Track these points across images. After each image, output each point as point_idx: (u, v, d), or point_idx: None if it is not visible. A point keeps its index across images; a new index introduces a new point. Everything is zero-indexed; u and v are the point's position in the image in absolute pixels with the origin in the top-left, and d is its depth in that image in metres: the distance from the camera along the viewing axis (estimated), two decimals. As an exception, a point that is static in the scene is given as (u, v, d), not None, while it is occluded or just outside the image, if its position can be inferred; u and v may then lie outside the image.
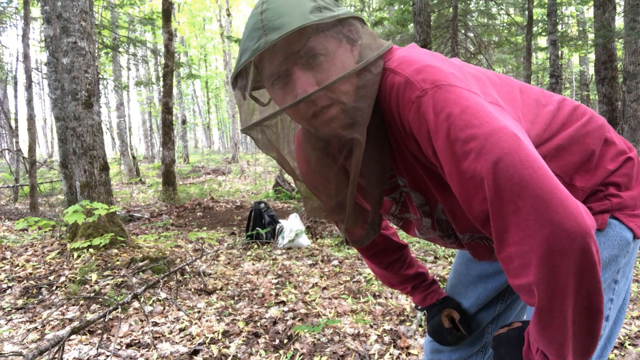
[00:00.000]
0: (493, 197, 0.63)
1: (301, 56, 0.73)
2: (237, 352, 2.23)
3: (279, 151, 0.87)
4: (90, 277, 3.14)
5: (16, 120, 13.38)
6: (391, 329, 2.42)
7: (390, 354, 2.15)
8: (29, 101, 7.50)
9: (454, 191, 0.72)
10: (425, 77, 0.70)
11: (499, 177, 0.62)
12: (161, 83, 8.94)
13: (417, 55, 0.76)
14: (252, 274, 3.63)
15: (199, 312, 2.79)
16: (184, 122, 20.76)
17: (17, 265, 3.50)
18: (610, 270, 0.84)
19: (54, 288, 3.05)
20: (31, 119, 7.57)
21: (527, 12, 6.38)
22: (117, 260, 3.52)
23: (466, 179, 0.66)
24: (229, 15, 19.05)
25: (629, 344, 2.20)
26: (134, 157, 13.41)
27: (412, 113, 0.71)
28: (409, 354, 2.16)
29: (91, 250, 3.63)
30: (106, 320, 2.40)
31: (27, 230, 5.42)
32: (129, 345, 2.32)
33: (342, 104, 0.74)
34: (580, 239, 0.59)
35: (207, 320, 2.64)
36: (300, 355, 2.16)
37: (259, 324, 2.56)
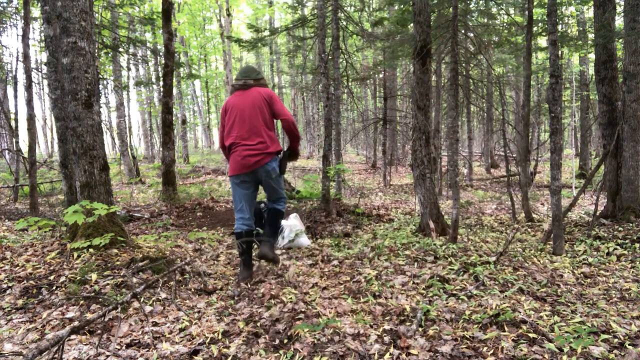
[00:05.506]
0: None
1: None
2: (237, 352, 2.22)
3: None
4: (90, 277, 3.14)
5: (16, 120, 13.36)
6: (391, 329, 2.42)
7: (390, 354, 2.15)
8: (29, 101, 7.50)
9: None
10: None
11: None
12: (161, 83, 8.94)
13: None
14: (252, 274, 3.63)
15: (199, 312, 2.79)
16: (184, 122, 20.77)
17: (17, 265, 3.50)
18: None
19: (54, 288, 3.04)
20: (31, 119, 7.57)
21: (527, 12, 6.38)
22: (117, 260, 3.52)
23: None
24: (229, 15, 19.03)
25: (629, 344, 2.20)
26: (134, 157, 13.41)
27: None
28: (409, 354, 2.16)
29: (91, 250, 3.63)
30: (106, 320, 2.40)
31: (27, 230, 5.42)
32: (129, 345, 2.32)
33: None
34: None
35: (207, 320, 2.64)
36: (300, 355, 2.16)
37: (259, 324, 2.56)
